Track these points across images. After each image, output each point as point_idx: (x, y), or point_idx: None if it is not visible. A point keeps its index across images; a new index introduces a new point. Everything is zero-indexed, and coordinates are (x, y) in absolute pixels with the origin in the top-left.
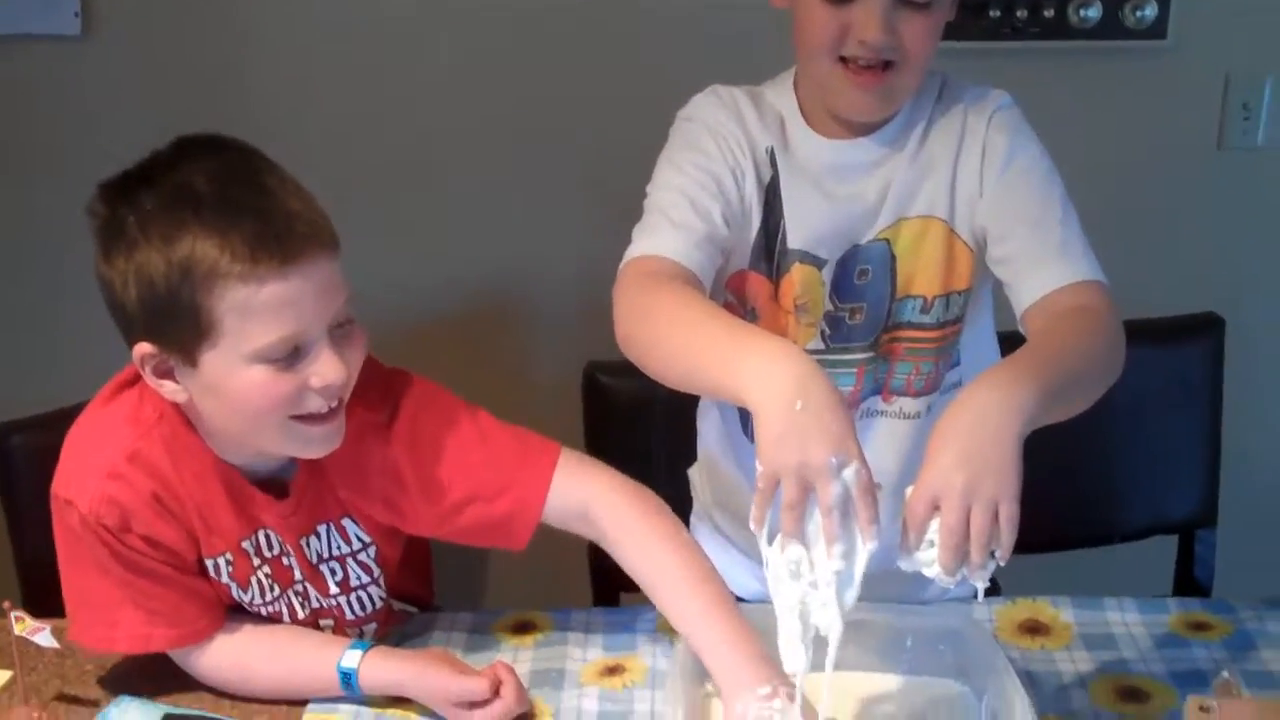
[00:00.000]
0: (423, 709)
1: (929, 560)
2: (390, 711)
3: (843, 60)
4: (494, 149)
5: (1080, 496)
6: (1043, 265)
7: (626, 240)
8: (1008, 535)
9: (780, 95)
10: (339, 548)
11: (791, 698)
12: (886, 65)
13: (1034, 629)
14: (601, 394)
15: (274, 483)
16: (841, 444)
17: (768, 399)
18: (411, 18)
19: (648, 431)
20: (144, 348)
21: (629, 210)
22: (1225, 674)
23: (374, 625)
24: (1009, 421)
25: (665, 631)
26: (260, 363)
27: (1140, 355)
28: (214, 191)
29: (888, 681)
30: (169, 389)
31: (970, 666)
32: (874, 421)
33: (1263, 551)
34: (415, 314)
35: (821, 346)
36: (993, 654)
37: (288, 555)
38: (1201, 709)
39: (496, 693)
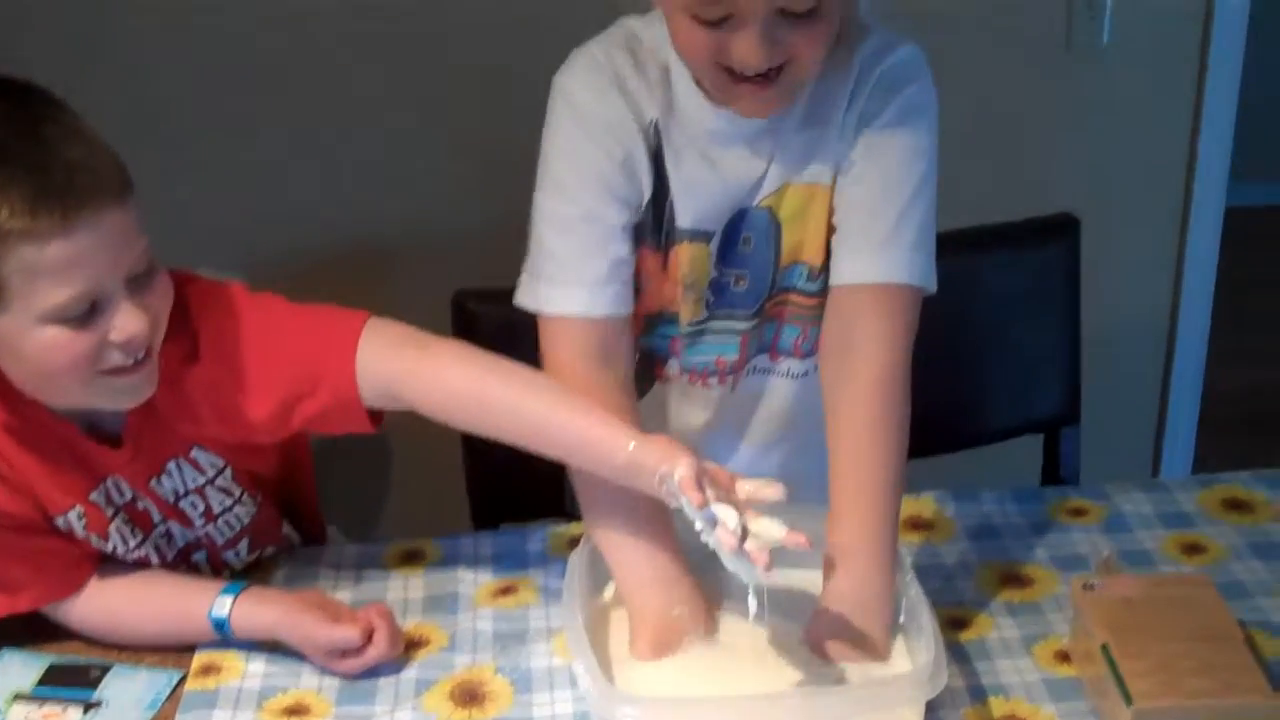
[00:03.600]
0: None
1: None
2: (283, 648)
3: (729, 70)
4: (355, 83)
5: (948, 402)
6: (859, 253)
7: (492, 171)
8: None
9: (661, 41)
10: (194, 480)
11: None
12: (779, 68)
13: (918, 525)
14: (471, 321)
15: (113, 431)
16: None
17: None
18: None
19: (520, 356)
20: None
21: (492, 142)
22: (1106, 553)
23: (247, 542)
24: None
25: (556, 552)
26: (54, 323)
27: (999, 260)
28: None
29: (788, 578)
30: None
31: None
32: (761, 379)
33: (1122, 444)
34: (280, 249)
35: (705, 315)
36: None
37: (141, 500)
38: (1085, 586)
39: (369, 639)
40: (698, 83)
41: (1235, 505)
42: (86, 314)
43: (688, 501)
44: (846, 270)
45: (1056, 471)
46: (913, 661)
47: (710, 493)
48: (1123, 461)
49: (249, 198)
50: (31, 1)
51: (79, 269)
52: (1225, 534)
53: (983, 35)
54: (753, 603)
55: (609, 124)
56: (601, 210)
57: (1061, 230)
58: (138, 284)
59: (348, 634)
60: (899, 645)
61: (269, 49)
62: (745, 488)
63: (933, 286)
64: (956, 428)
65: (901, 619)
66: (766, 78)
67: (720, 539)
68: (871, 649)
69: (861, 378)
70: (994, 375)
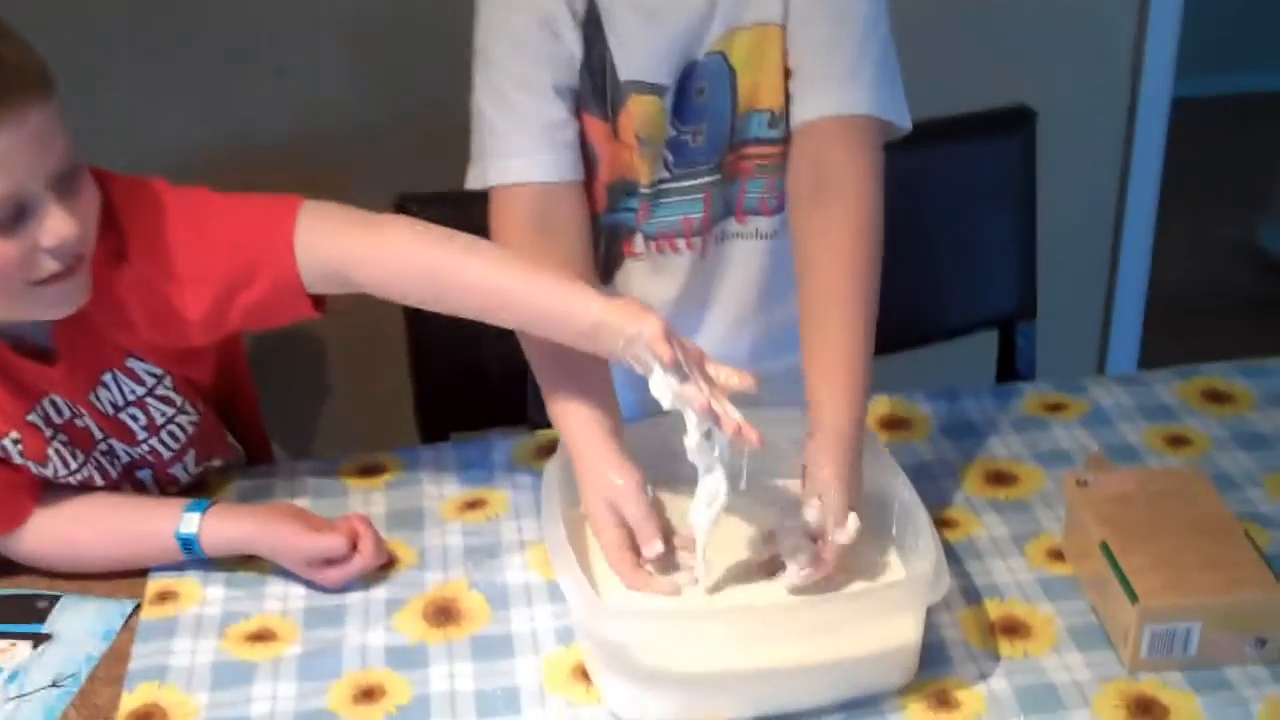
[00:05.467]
0: (277, 566)
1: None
2: (243, 571)
3: None
4: None
5: (903, 299)
6: (822, 88)
7: (433, 74)
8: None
9: None
10: (133, 391)
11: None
12: None
13: (894, 424)
14: None
15: (43, 346)
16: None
17: None
18: None
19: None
20: None
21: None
22: (1095, 449)
23: (193, 455)
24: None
25: (522, 462)
26: None
27: (954, 152)
28: None
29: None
30: None
31: None
32: (729, 245)
33: (1070, 339)
34: (216, 156)
35: (666, 175)
36: (875, 450)
37: (80, 416)
38: (1079, 483)
39: (353, 547)
40: None
41: (1216, 397)
42: (13, 220)
43: (657, 362)
44: (810, 105)
45: (1012, 367)
46: (908, 568)
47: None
48: (1070, 356)
49: (184, 102)
50: None
51: (1, 169)
52: (1208, 426)
53: None
54: (721, 482)
55: None
56: (532, 75)
57: (1018, 121)
58: (64, 187)
59: (333, 542)
60: (891, 552)
61: None
62: (718, 373)
63: (905, 123)
64: (912, 325)
65: (892, 529)
66: None
67: (689, 396)
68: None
69: (838, 216)
70: (950, 270)
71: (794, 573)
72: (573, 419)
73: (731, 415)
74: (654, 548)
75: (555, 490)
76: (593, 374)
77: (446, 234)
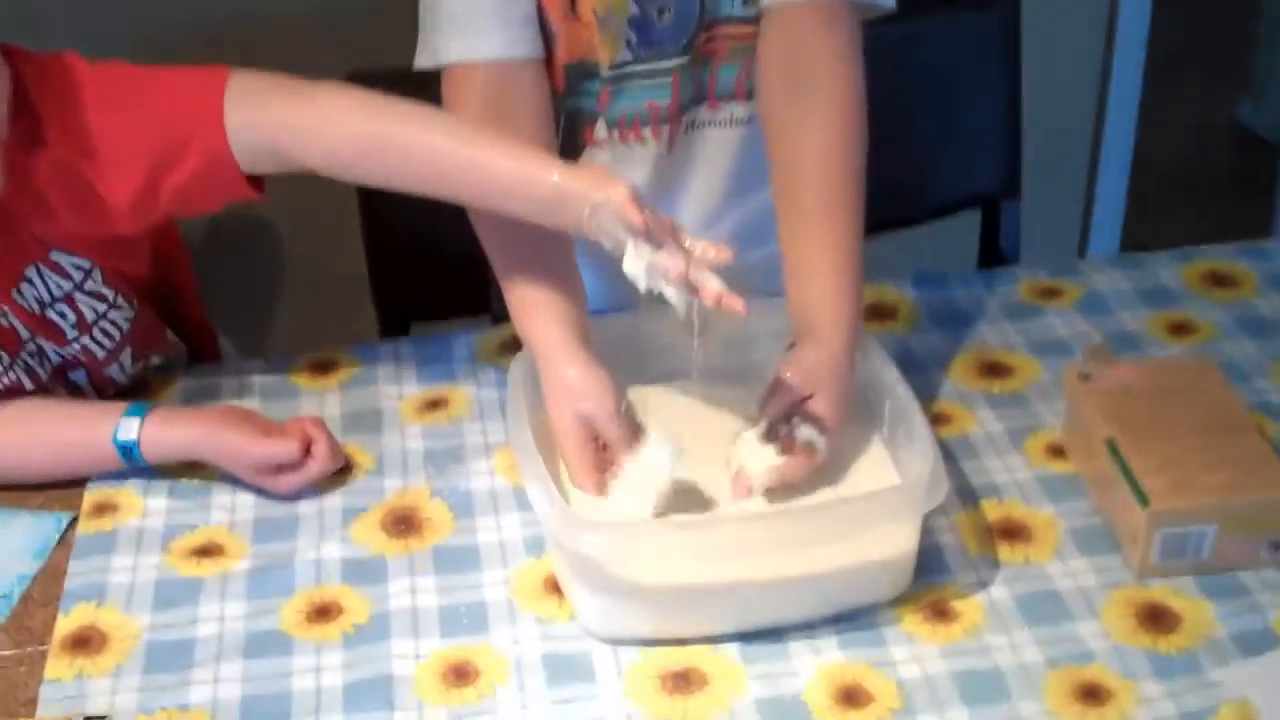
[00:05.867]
0: (224, 473)
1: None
2: (187, 480)
3: None
4: None
5: (886, 178)
6: None
7: None
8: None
9: None
10: (58, 287)
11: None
12: None
13: (881, 313)
14: None
15: None
16: None
17: None
18: None
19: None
20: None
21: None
22: (1096, 339)
23: (129, 353)
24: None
25: (485, 359)
26: None
27: (938, 26)
28: None
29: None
30: None
31: None
32: (700, 134)
33: (1051, 221)
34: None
35: (629, 57)
36: (864, 341)
37: (4, 316)
38: (1081, 376)
39: (307, 452)
40: None
41: (1217, 280)
42: None
43: (626, 228)
44: None
45: (995, 249)
46: (902, 472)
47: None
48: (1052, 237)
49: None
50: None
51: None
52: (1211, 311)
53: None
54: (698, 350)
55: None
56: None
57: None
58: None
59: (284, 446)
60: (881, 453)
61: None
62: (693, 246)
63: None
64: (892, 206)
65: (884, 430)
66: None
67: (665, 266)
68: (828, 423)
69: (818, 106)
70: (934, 148)
71: (761, 476)
72: (535, 317)
73: (712, 285)
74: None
75: (521, 392)
76: (555, 259)
77: (388, 100)
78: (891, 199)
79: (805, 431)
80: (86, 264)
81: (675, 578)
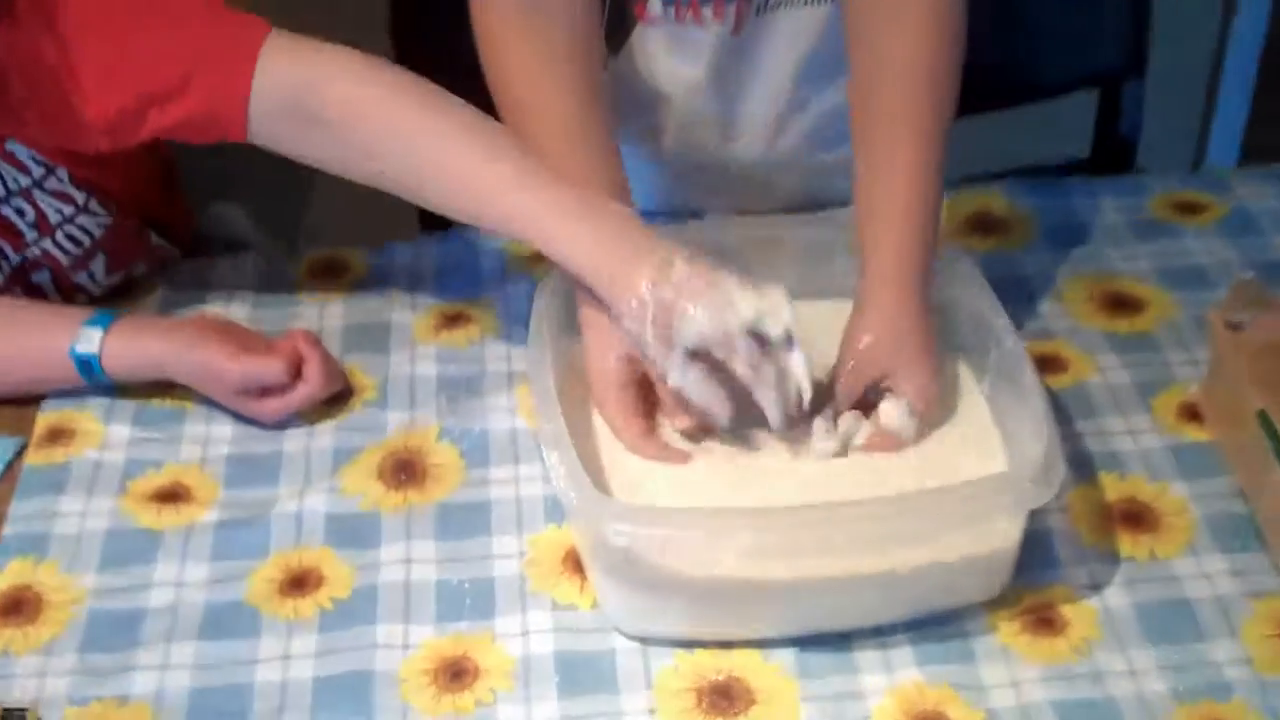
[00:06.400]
0: (201, 396)
1: None
2: (158, 402)
3: None
4: None
5: (995, 52)
6: None
7: None
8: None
9: None
10: (16, 180)
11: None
12: None
13: (986, 225)
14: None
15: None
16: None
17: None
18: None
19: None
20: None
21: None
22: (1248, 274)
23: (103, 261)
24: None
25: (517, 269)
26: None
27: None
28: None
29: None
30: None
31: None
32: (771, 17)
33: (1181, 103)
34: None
35: None
36: (953, 259)
37: None
38: (1229, 325)
39: (297, 373)
40: None
41: None
42: None
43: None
44: None
45: (1114, 132)
46: (1006, 441)
47: None
48: (1171, 121)
49: None
50: None
51: None
52: None
53: None
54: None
55: None
56: None
57: None
58: None
59: (268, 367)
60: (981, 413)
61: None
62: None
63: None
64: (1000, 82)
65: (985, 385)
66: None
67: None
68: (920, 389)
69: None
70: (1048, 18)
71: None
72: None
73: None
74: (683, 420)
75: (546, 322)
76: (599, 148)
77: (437, 101)
78: (997, 76)
79: (889, 409)
80: (51, 163)
81: (722, 568)
